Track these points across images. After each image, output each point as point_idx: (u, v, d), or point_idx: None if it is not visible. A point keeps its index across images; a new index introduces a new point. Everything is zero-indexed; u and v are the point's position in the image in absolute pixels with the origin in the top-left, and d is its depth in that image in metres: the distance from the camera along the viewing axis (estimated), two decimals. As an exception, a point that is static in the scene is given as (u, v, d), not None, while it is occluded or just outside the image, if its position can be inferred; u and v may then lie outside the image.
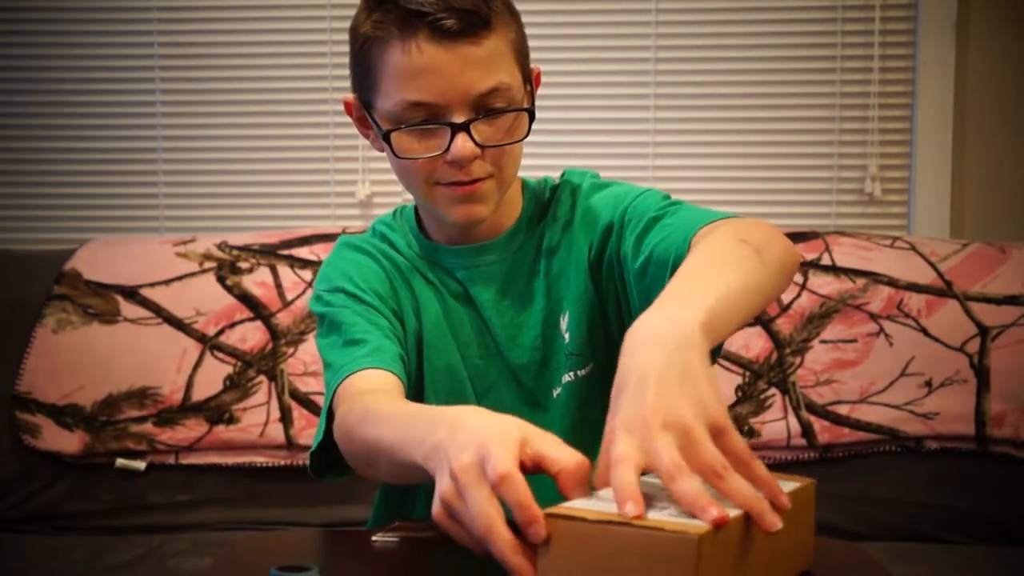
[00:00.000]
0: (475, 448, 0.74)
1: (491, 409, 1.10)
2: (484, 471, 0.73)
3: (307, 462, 1.07)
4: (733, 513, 0.70)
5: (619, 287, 1.11)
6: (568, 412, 1.13)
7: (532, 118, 1.08)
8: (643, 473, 0.72)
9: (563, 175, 1.20)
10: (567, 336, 1.13)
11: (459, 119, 1.03)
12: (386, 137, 1.05)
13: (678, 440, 0.72)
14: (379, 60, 1.04)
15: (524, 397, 1.14)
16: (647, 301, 1.04)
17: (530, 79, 1.10)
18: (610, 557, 0.69)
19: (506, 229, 1.15)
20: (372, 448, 0.91)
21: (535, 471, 0.76)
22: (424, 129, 1.04)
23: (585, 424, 1.09)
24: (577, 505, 0.73)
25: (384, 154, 1.11)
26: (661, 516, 0.70)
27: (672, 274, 0.98)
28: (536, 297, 1.15)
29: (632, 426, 0.73)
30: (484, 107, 1.04)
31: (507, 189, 1.12)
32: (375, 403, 0.97)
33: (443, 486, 0.75)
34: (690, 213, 1.05)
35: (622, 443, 0.72)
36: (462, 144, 1.03)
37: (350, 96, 1.12)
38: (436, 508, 0.75)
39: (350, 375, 1.03)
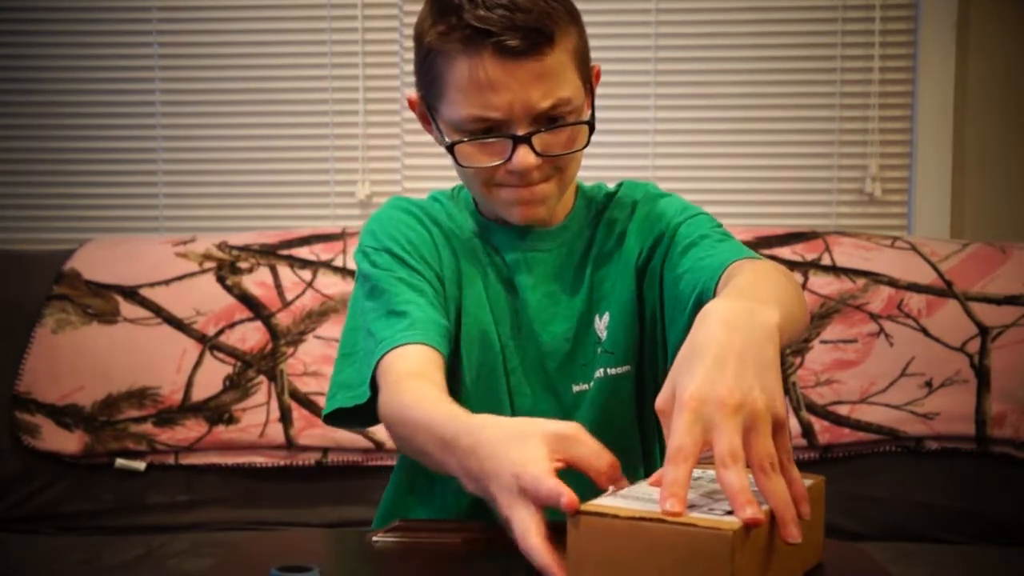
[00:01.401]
0: (511, 481, 0.78)
1: (515, 390, 1.16)
2: (525, 496, 0.77)
3: (322, 415, 1.11)
4: (764, 509, 0.71)
5: (657, 295, 1.14)
6: (594, 407, 1.15)
7: (592, 130, 1.10)
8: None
9: (621, 185, 1.23)
10: (604, 334, 1.15)
11: (521, 131, 1.06)
12: (450, 148, 1.09)
13: (745, 425, 0.73)
14: (445, 71, 1.07)
15: (546, 384, 1.16)
16: (675, 311, 1.10)
17: (590, 78, 1.13)
18: (642, 553, 0.70)
19: (558, 223, 1.18)
20: (415, 450, 0.96)
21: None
22: (486, 141, 1.07)
23: (609, 422, 1.12)
24: (609, 502, 0.74)
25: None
26: (691, 513, 0.70)
27: (700, 292, 1.03)
28: (576, 294, 1.17)
29: (706, 399, 0.73)
30: (545, 119, 1.07)
31: (566, 190, 1.15)
32: (410, 400, 0.98)
33: (500, 515, 0.80)
34: (734, 245, 1.10)
35: (684, 428, 0.73)
36: (523, 155, 1.06)
37: (414, 94, 1.15)
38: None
39: (391, 350, 1.04)
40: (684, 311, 1.06)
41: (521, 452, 0.79)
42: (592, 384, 1.15)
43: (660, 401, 0.77)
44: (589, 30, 1.16)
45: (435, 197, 1.23)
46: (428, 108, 1.12)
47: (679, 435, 0.72)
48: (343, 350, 1.15)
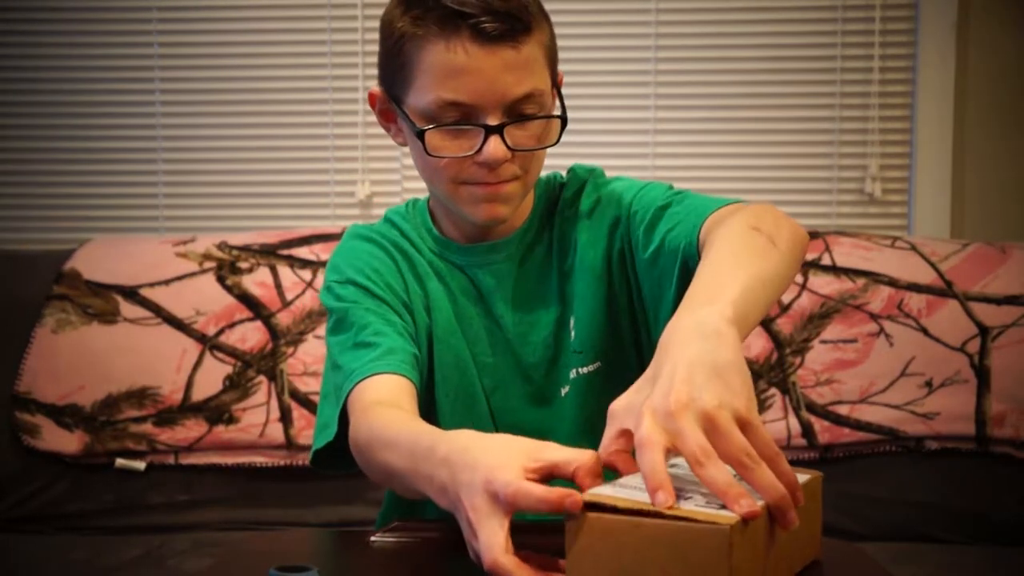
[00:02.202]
0: (481, 487, 0.76)
1: (499, 407, 1.13)
2: (496, 503, 0.75)
3: (308, 460, 1.08)
4: (759, 503, 0.70)
5: (631, 280, 1.12)
6: (575, 408, 1.14)
7: (564, 124, 1.09)
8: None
9: (570, 171, 1.21)
10: (573, 334, 1.14)
11: (493, 121, 1.04)
12: (419, 135, 1.05)
13: (703, 426, 0.72)
14: (415, 56, 1.04)
15: (532, 394, 1.15)
16: (657, 289, 1.07)
17: (556, 81, 1.11)
18: (639, 548, 0.69)
19: (518, 227, 1.16)
20: (385, 471, 0.94)
21: (548, 479, 0.77)
22: (457, 129, 1.05)
23: (592, 421, 1.10)
24: (603, 492, 0.73)
25: (405, 147, 1.11)
26: (686, 505, 0.70)
27: (682, 261, 1.00)
28: (548, 295, 1.15)
29: (657, 408, 0.73)
30: (517, 111, 1.05)
31: (529, 191, 1.13)
32: (380, 424, 0.97)
33: (464, 532, 0.78)
34: (697, 201, 1.07)
35: (647, 424, 0.72)
36: (494, 147, 1.04)
37: (376, 88, 1.13)
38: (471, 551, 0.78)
39: (360, 381, 1.03)
40: (671, 286, 1.04)
41: (496, 456, 0.78)
42: (568, 387, 1.14)
43: (614, 404, 0.78)
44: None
45: (389, 218, 1.20)
46: (393, 99, 1.09)
47: (644, 430, 0.72)
48: (323, 391, 1.14)
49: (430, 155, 1.05)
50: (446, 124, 1.04)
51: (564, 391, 1.14)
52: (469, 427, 1.08)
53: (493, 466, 0.77)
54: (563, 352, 1.15)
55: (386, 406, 1.00)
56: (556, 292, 1.15)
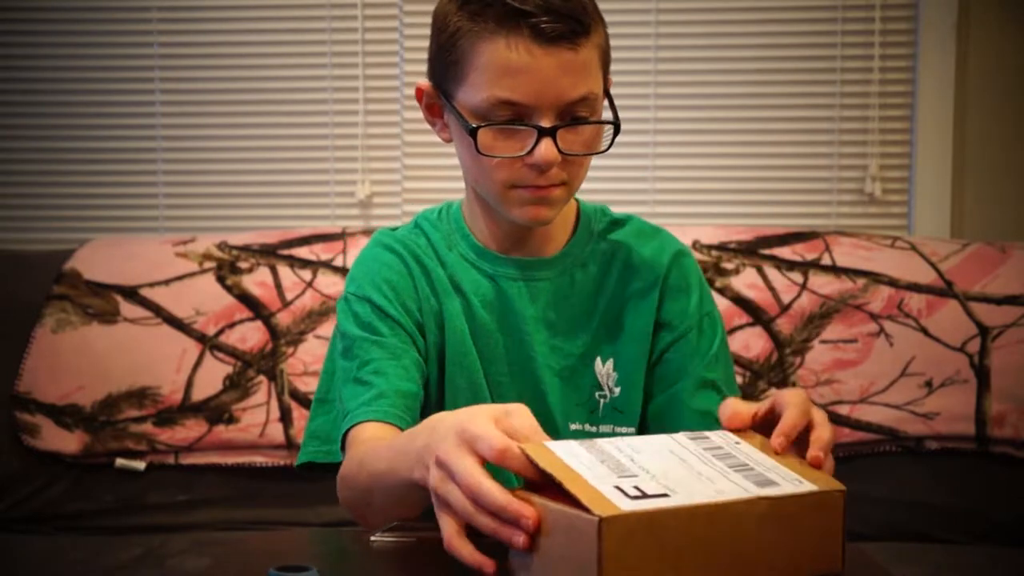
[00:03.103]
0: (455, 435, 0.77)
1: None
2: (471, 449, 0.76)
3: (295, 463, 1.13)
4: (714, 499, 0.70)
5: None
6: None
7: (617, 131, 1.08)
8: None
9: (630, 220, 1.21)
10: (614, 389, 1.15)
11: (546, 123, 1.02)
12: (472, 133, 1.04)
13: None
14: (470, 52, 1.03)
15: (545, 417, 1.14)
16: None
17: (607, 86, 1.11)
18: (544, 534, 0.72)
19: (558, 246, 1.16)
20: (368, 486, 0.94)
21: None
22: (510, 129, 1.04)
23: None
24: (554, 455, 0.75)
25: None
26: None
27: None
28: (580, 329, 1.16)
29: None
30: (570, 114, 1.04)
31: (572, 197, 1.13)
32: (365, 448, 0.99)
33: (433, 477, 0.78)
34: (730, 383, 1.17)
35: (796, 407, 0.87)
36: (546, 149, 1.02)
37: (424, 82, 1.12)
38: (434, 501, 0.78)
39: (353, 427, 1.04)
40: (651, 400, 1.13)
41: (466, 412, 0.80)
42: (597, 431, 1.15)
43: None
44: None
45: (419, 224, 1.20)
46: (443, 95, 1.08)
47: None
48: (318, 394, 1.16)
49: (481, 154, 1.04)
50: (499, 123, 1.03)
51: (574, 427, 1.15)
52: None
53: (468, 418, 0.78)
54: (578, 391, 1.15)
55: (375, 440, 1.01)
56: (592, 329, 1.15)
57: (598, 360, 1.15)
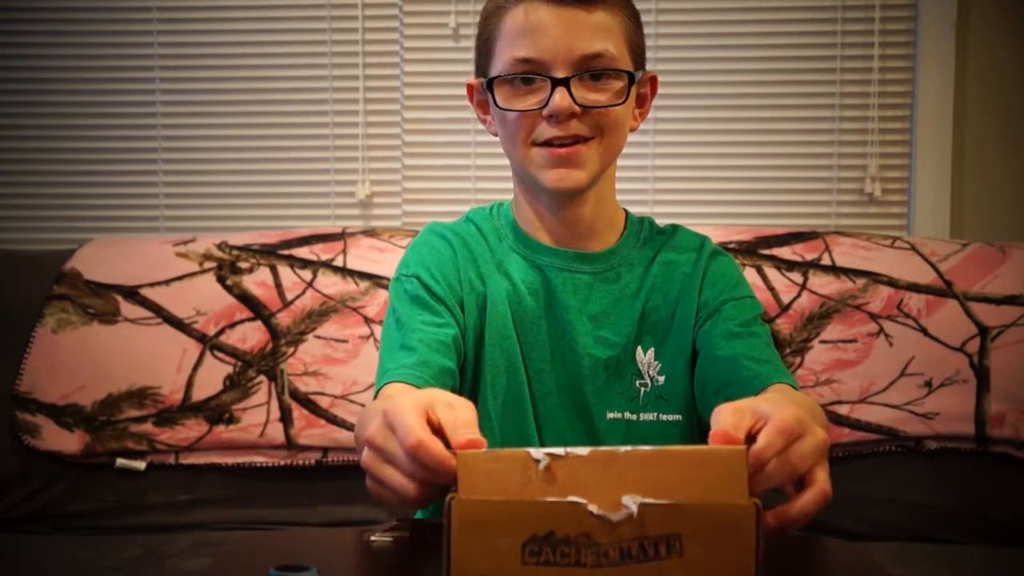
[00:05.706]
0: (381, 419, 0.78)
1: (543, 417, 1.16)
2: (390, 433, 0.76)
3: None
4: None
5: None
6: (624, 438, 1.16)
7: (632, 82, 1.12)
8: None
9: (676, 229, 1.25)
10: (658, 378, 1.17)
11: (560, 75, 1.08)
12: (489, 85, 1.11)
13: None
14: (497, 29, 1.12)
15: (581, 407, 1.17)
16: (700, 386, 1.16)
17: (642, 65, 1.15)
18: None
19: (606, 244, 1.20)
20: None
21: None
22: (527, 87, 1.10)
23: None
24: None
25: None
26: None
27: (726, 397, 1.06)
28: (623, 322, 1.18)
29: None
30: (586, 68, 1.09)
31: (609, 161, 1.15)
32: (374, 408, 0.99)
33: (364, 458, 0.80)
34: (775, 359, 1.14)
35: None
36: (560, 98, 1.08)
37: (474, 79, 1.18)
38: (368, 480, 0.80)
39: (387, 384, 1.06)
40: (705, 400, 1.11)
41: (402, 398, 0.79)
42: (638, 419, 1.16)
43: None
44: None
45: (470, 217, 1.24)
46: (485, 84, 1.14)
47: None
48: (382, 346, 1.17)
49: (500, 107, 1.11)
50: (515, 74, 1.10)
51: (612, 416, 1.16)
52: (515, 433, 1.13)
53: (398, 407, 0.77)
54: (620, 380, 1.17)
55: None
56: (636, 321, 1.18)
57: (639, 349, 1.17)
